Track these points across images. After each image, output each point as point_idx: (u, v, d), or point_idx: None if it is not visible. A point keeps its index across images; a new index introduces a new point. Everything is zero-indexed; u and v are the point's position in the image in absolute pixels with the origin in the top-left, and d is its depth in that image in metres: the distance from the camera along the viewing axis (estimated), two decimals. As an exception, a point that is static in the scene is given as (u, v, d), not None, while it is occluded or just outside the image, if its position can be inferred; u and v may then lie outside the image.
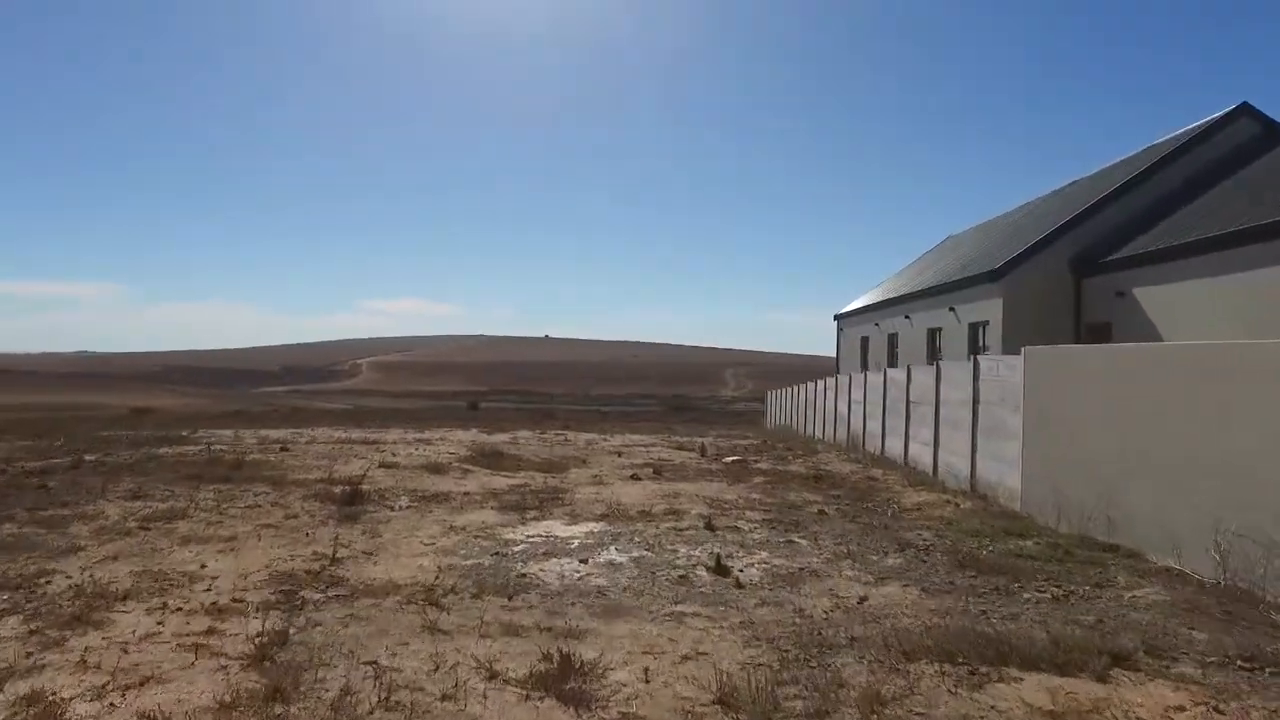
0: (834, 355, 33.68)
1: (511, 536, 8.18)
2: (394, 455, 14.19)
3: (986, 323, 19.91)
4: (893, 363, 25.82)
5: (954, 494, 11.61)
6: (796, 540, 8.23)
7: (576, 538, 8.23)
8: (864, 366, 28.83)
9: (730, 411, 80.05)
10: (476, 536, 8.11)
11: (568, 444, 20.68)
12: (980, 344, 19.92)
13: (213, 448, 15.74)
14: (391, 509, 9.43)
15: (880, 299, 28.33)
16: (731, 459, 16.63)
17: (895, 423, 16.41)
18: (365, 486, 10.29)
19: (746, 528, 8.94)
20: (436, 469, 12.35)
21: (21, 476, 11.24)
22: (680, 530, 8.76)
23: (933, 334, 23.13)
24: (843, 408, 21.65)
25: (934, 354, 22.33)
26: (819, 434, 24.66)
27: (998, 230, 26.51)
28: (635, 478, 13.31)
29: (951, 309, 21.22)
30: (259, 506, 9.17)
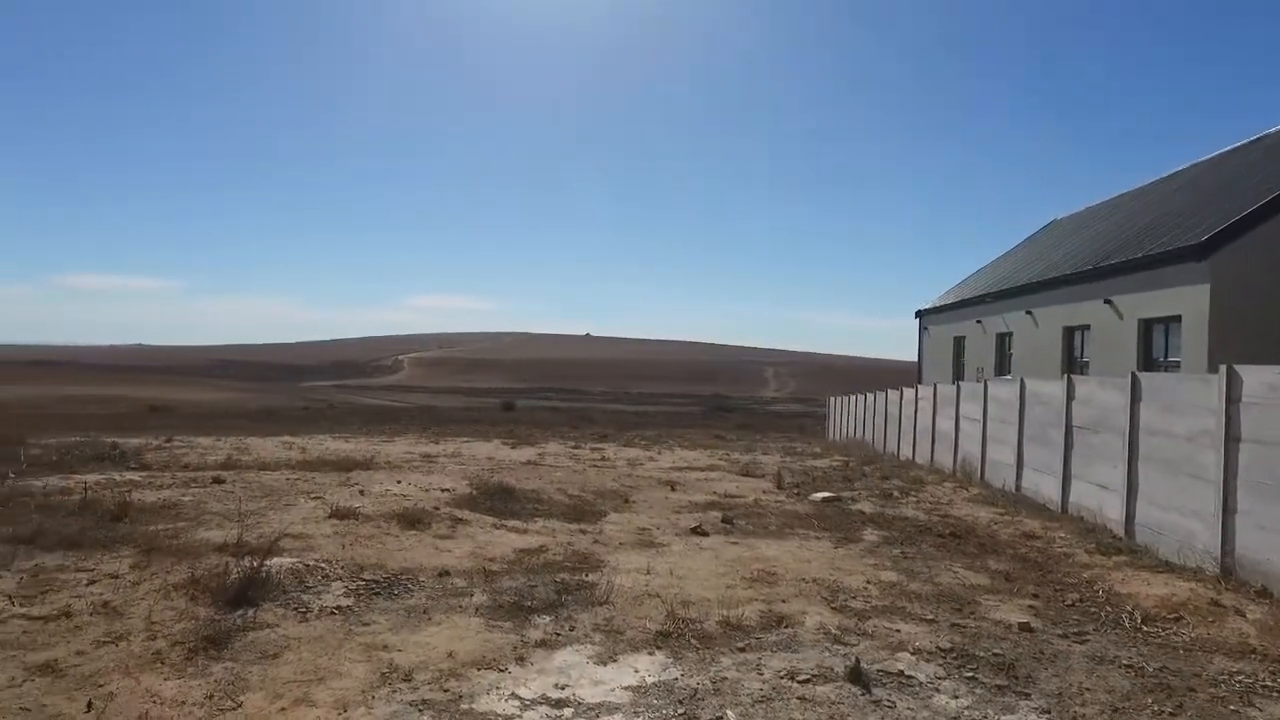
0: (909, 359, 29.26)
1: (491, 708, 4.30)
2: (364, 492, 10.37)
3: (1174, 319, 14.95)
4: (1003, 369, 21.45)
5: (1196, 578, 7.48)
6: (1044, 729, 4.25)
7: (618, 709, 4.33)
8: (957, 372, 24.45)
9: (775, 414, 75.60)
10: (422, 709, 4.24)
11: (605, 466, 16.79)
12: (1162, 349, 15.23)
13: (121, 477, 12.11)
14: (304, 615, 5.60)
15: (981, 291, 23.78)
16: (821, 496, 12.58)
17: (1042, 454, 12.20)
18: (282, 561, 6.49)
19: (918, 675, 4.96)
20: (414, 520, 8.51)
21: None
22: (802, 678, 4.82)
23: (1071, 334, 18.58)
24: (944, 424, 17.41)
25: (1071, 360, 17.90)
26: (906, 453, 20.43)
27: (1158, 200, 20.90)
28: (699, 530, 9.37)
29: (1107, 301, 16.57)
30: (74, 613, 5.39)
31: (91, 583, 6.03)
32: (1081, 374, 15.83)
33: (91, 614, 5.37)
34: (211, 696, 4.23)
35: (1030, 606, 6.59)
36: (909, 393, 21.16)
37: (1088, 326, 17.83)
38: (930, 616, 6.17)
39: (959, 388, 16.76)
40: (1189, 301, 14.44)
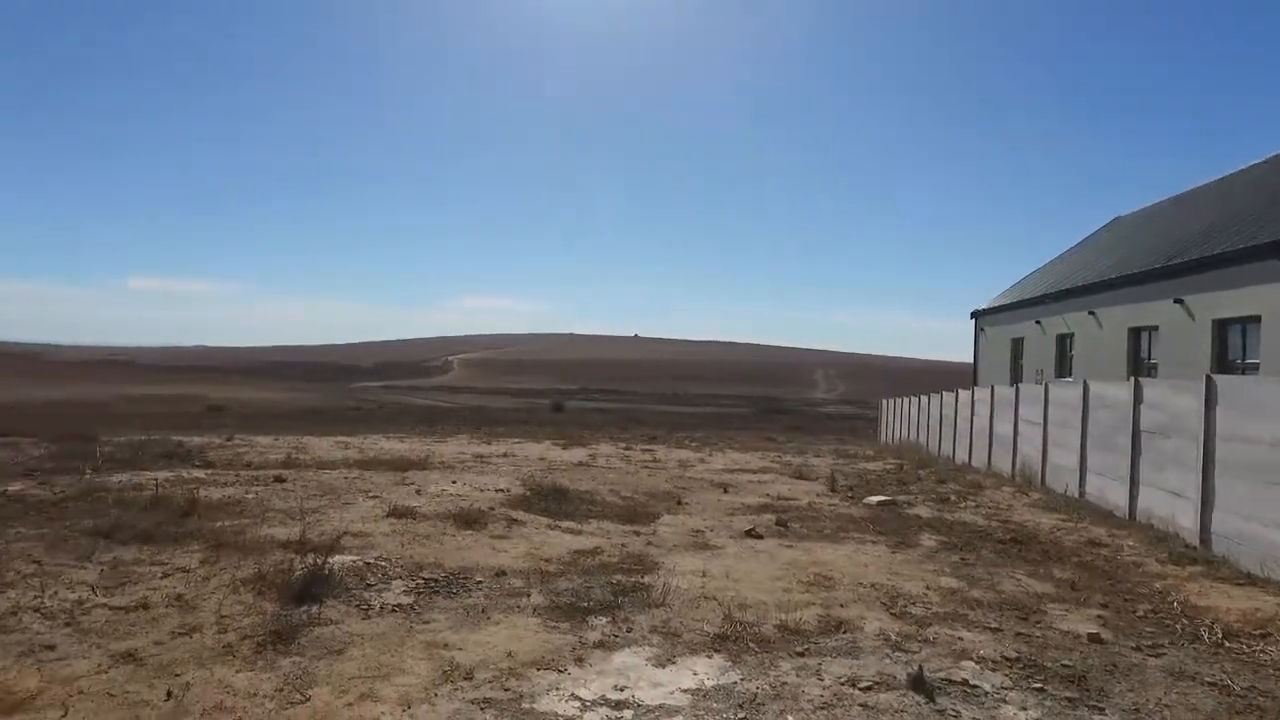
0: (961, 360, 28.64)
1: (552, 709, 4.32)
2: (420, 491, 10.53)
3: (1252, 319, 14.26)
4: (1064, 371, 20.88)
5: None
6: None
7: (678, 712, 4.31)
8: (1014, 374, 23.86)
9: (825, 415, 74.73)
10: (484, 707, 4.28)
11: (656, 467, 16.79)
12: (1238, 350, 14.61)
13: (186, 474, 12.48)
14: (366, 612, 5.70)
15: (1040, 291, 23.15)
16: (876, 500, 12.39)
17: (1107, 459, 11.83)
18: (343, 558, 6.62)
19: (983, 684, 4.84)
20: (470, 520, 8.61)
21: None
22: (863, 685, 4.75)
23: (1137, 335, 17.97)
24: (1002, 427, 17.00)
25: (1137, 362, 17.33)
26: (962, 457, 20.01)
27: (1222, 197, 19.84)
28: (753, 533, 9.31)
29: (1178, 300, 15.95)
30: (150, 605, 5.58)
31: (165, 576, 6.23)
32: (1149, 376, 15.31)
33: (166, 606, 5.54)
34: (281, 690, 4.33)
35: (1099, 617, 6.39)
36: (964, 395, 20.72)
37: (1156, 327, 17.21)
38: (994, 625, 6.02)
39: (1018, 390, 16.36)
40: (1268, 300, 13.81)
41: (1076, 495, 12.61)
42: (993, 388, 18.40)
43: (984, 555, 8.66)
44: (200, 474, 12.19)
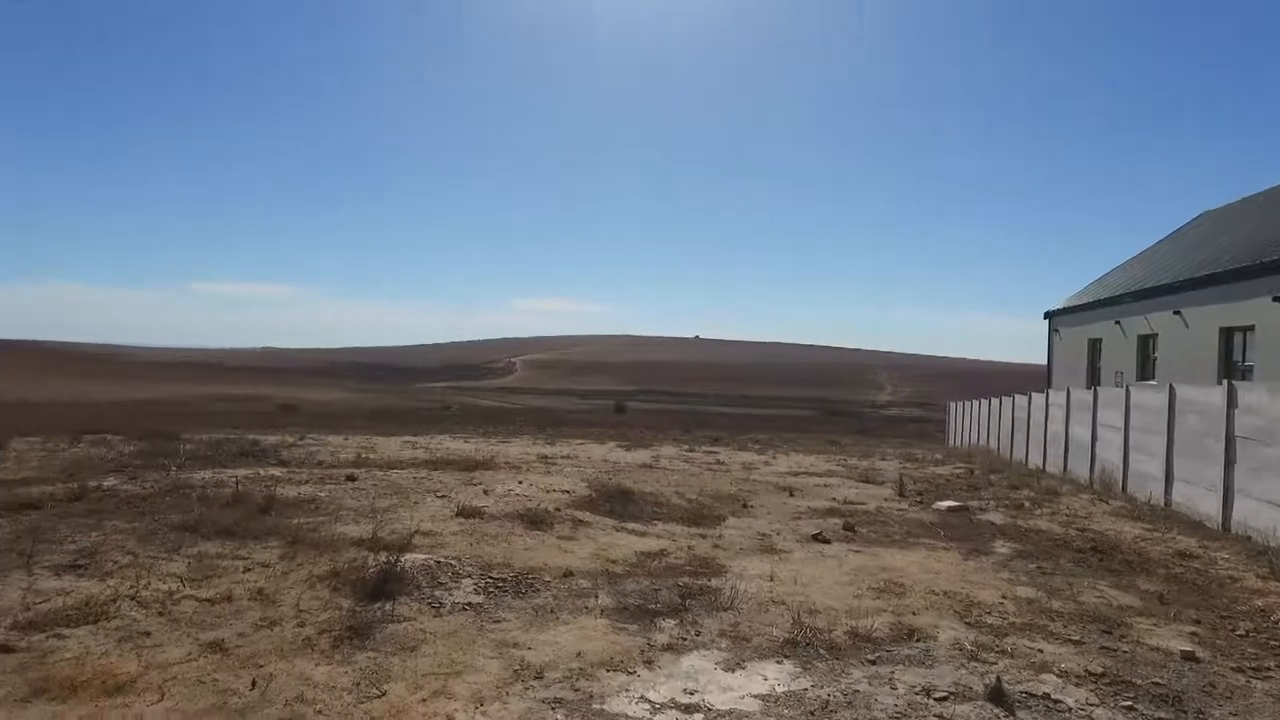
0: (1031, 362, 27.75)
1: (623, 710, 4.32)
2: (488, 492, 10.67)
3: None
4: (1146, 374, 20.07)
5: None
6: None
7: (749, 718, 4.27)
8: (1091, 377, 23.05)
9: (890, 418, 73.36)
10: (555, 707, 4.31)
11: (720, 470, 16.70)
12: None
13: (260, 470, 12.85)
14: (437, 610, 5.80)
15: (1120, 291, 22.27)
16: (947, 505, 12.09)
17: (1196, 466, 11.32)
18: (414, 557, 6.75)
19: (1066, 699, 4.67)
20: (537, 520, 8.69)
21: (1, 511, 8.53)
22: (938, 695, 4.62)
23: (1229, 335, 17.13)
24: (1079, 432, 16.43)
25: (1229, 364, 16.54)
26: (1035, 461, 19.40)
27: None
28: (820, 537, 9.18)
29: (1277, 299, 15.17)
30: (234, 598, 5.78)
31: (247, 570, 6.45)
32: (1243, 379, 14.58)
33: (249, 599, 5.74)
34: (358, 684, 4.43)
35: (1192, 634, 6.09)
36: (1038, 398, 20.10)
37: (1250, 327, 16.36)
38: (1076, 637, 5.80)
39: (1096, 393, 15.78)
40: None
41: (1162, 504, 12.10)
42: (1068, 390, 17.79)
43: (1062, 564, 8.36)
44: (276, 472, 12.58)
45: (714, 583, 6.76)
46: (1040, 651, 5.46)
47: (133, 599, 5.62)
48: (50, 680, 4.29)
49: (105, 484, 10.45)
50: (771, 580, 7.02)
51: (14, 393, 45.87)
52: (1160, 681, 4.99)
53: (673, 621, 5.75)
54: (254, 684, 4.32)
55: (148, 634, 5.02)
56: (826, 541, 9.01)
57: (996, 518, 11.36)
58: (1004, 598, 6.86)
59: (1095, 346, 23.66)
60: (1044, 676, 4.99)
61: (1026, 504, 12.80)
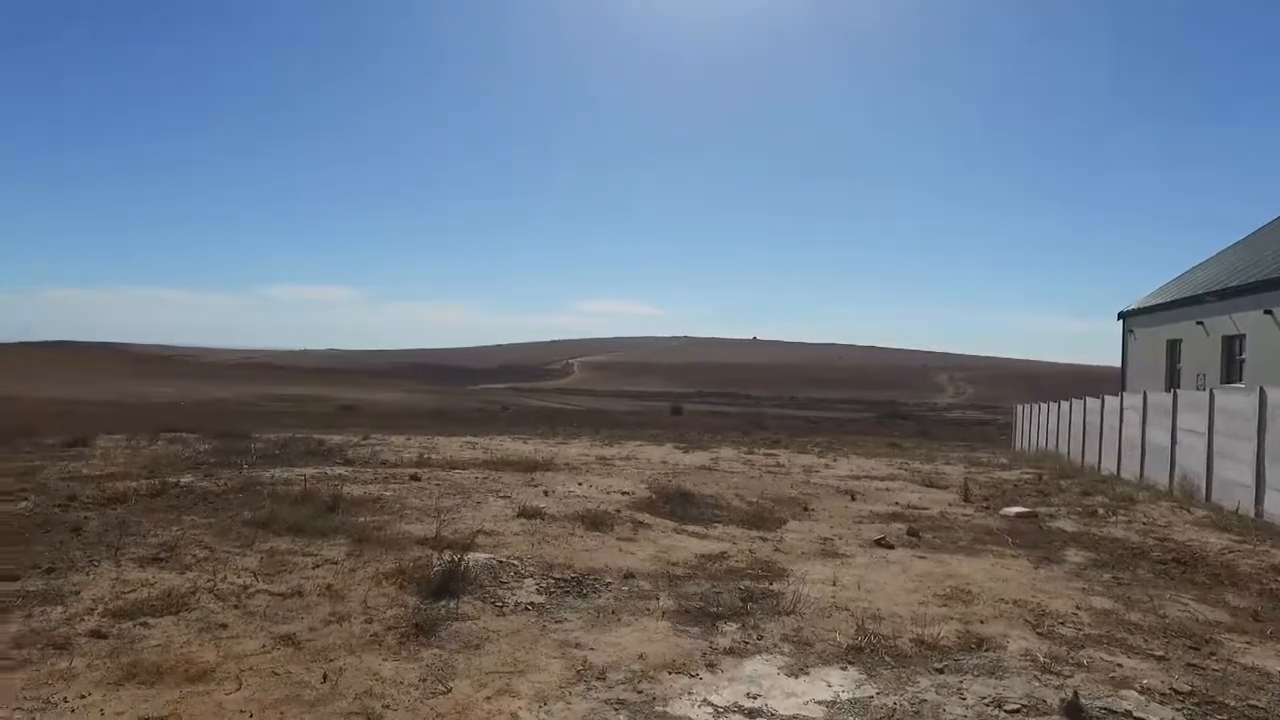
0: (1116, 364, 26.75)
1: (686, 713, 4.30)
2: (548, 493, 10.75)
3: None
4: (1231, 376, 19.20)
5: None
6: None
7: (812, 726, 4.21)
8: (1170, 379, 22.15)
9: (953, 421, 71.64)
10: (618, 708, 4.31)
11: (780, 472, 16.53)
12: None
13: (328, 470, 13.14)
14: (500, 609, 5.86)
15: (1202, 289, 21.32)
16: (1015, 511, 11.74)
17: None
18: (477, 556, 6.83)
19: (1149, 718, 4.47)
20: (597, 521, 8.72)
21: (91, 505, 8.94)
22: (1010, 708, 4.48)
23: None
24: (1157, 437, 15.78)
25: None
26: (1108, 467, 18.70)
27: None
28: (883, 542, 9.00)
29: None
30: (304, 593, 5.93)
31: (316, 567, 6.62)
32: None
33: (318, 595, 5.89)
34: (424, 680, 4.51)
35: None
36: (1112, 401, 19.38)
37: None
38: (1159, 653, 5.56)
39: (1176, 396, 15.15)
40: None
41: (1251, 514, 11.54)
42: (1145, 394, 17.11)
43: (1141, 575, 8.03)
44: (342, 471, 12.90)
45: (775, 586, 6.68)
46: (1119, 666, 5.25)
47: (210, 592, 5.82)
48: (139, 666, 4.49)
49: (183, 480, 10.85)
50: (834, 585, 6.91)
51: (93, 392, 48.09)
52: (1258, 705, 4.73)
53: (734, 625, 5.71)
54: (325, 677, 4.42)
55: (224, 625, 5.19)
56: (890, 547, 8.83)
57: (1068, 525, 10.98)
58: (1078, 608, 6.62)
59: (1174, 348, 22.70)
60: (1125, 693, 4.79)
61: (1100, 511, 12.35)
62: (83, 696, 4.13)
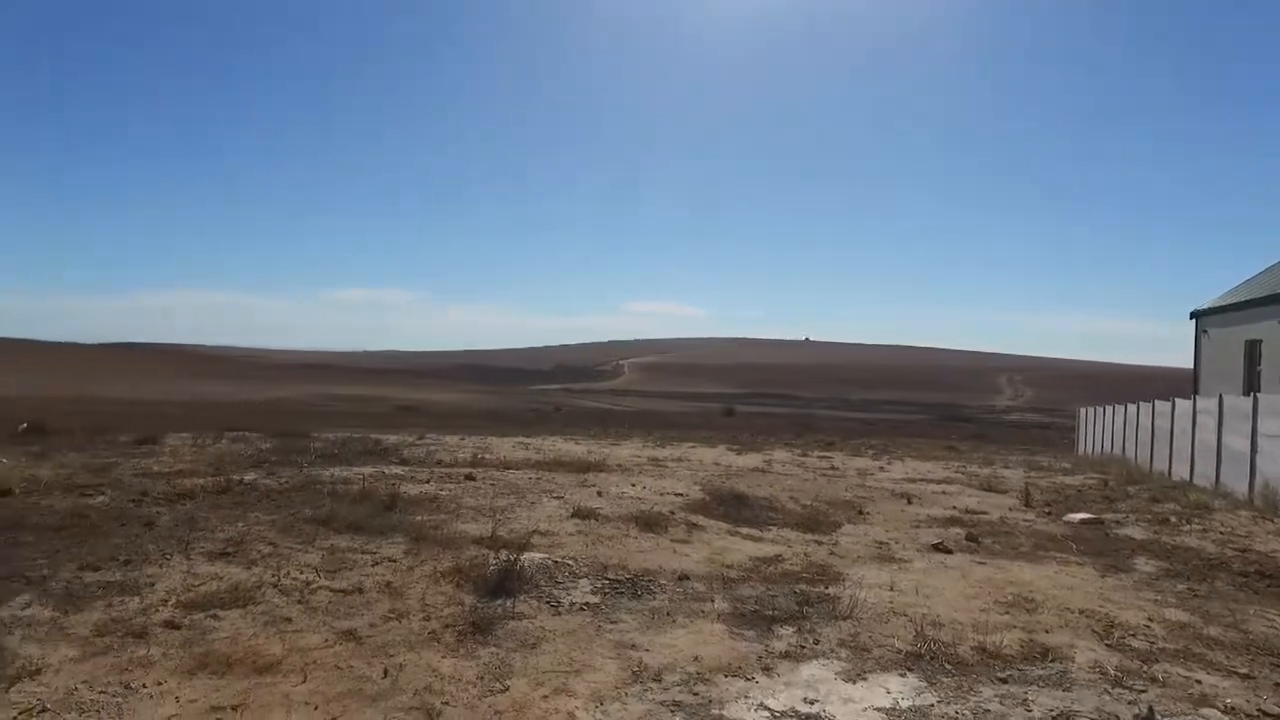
0: (1190, 366, 25.73)
1: (742, 717, 4.26)
2: (601, 493, 10.79)
3: None
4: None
5: None
6: None
7: (872, 734, 4.13)
8: (1249, 382, 21.23)
9: (1011, 424, 69.85)
10: (674, 710, 4.29)
11: (834, 475, 16.33)
12: None
13: (387, 469, 13.38)
14: (556, 609, 5.89)
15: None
16: (1079, 517, 11.39)
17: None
18: (533, 556, 6.88)
19: (1231, 732, 4.27)
20: (651, 523, 8.72)
21: (162, 500, 9.27)
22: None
23: None
24: (1235, 442, 15.14)
25: None
26: (1180, 473, 18.01)
27: None
28: (941, 547, 8.81)
29: None
30: (364, 590, 6.05)
31: (375, 564, 6.75)
32: None
33: (377, 592, 6.00)
34: (482, 678, 4.55)
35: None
36: (1183, 404, 18.66)
37: None
38: (1242, 670, 5.31)
39: (1256, 400, 14.51)
40: None
41: (1332, 522, 11.00)
42: (1221, 397, 16.44)
43: (1219, 588, 7.70)
44: (398, 470, 13.13)
45: (832, 590, 6.59)
46: (1198, 683, 5.03)
47: (275, 586, 5.98)
48: (210, 656, 4.64)
49: (247, 478, 11.18)
50: (891, 590, 6.79)
51: (160, 393, 49.85)
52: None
53: (790, 629, 5.64)
54: (385, 672, 4.50)
55: (289, 619, 5.32)
56: (948, 552, 8.64)
57: (1136, 533, 10.61)
58: (1150, 620, 6.38)
59: (1253, 349, 21.72)
60: (1205, 711, 4.59)
61: (1172, 519, 11.89)
62: (160, 684, 4.28)
